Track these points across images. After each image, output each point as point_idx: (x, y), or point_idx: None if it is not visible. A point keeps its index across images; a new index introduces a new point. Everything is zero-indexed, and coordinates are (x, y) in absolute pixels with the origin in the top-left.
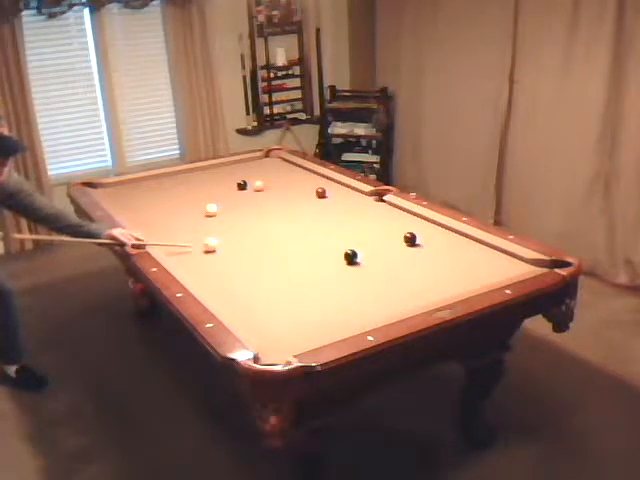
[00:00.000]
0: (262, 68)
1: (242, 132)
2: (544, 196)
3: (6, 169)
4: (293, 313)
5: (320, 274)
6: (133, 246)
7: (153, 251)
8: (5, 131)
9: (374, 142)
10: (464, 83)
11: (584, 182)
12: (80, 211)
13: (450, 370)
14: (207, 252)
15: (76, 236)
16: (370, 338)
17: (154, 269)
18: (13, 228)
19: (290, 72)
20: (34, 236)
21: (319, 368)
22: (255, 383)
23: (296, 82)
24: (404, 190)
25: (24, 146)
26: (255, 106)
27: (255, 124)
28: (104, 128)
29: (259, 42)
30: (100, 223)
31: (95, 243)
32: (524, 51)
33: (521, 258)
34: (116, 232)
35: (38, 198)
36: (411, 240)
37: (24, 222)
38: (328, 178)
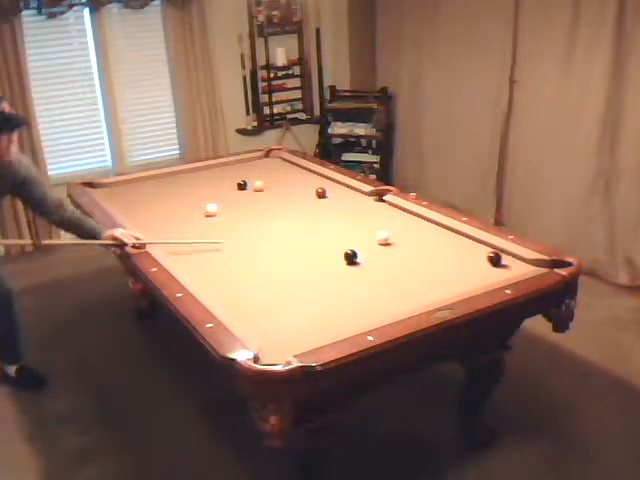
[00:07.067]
0: (262, 68)
1: (242, 132)
2: (544, 196)
3: (13, 147)
4: (293, 313)
5: (320, 274)
6: (133, 246)
7: (153, 251)
8: (7, 109)
9: (374, 142)
10: (464, 83)
11: (584, 182)
12: (80, 211)
13: (450, 370)
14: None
15: (78, 232)
16: (370, 338)
17: (154, 269)
18: (13, 231)
19: (290, 72)
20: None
21: (319, 368)
22: (255, 383)
23: (296, 82)
24: (404, 190)
25: (26, 121)
26: (255, 106)
27: (255, 124)
28: (104, 128)
29: (259, 42)
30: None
31: (97, 245)
32: (524, 51)
33: (521, 258)
34: (117, 233)
35: (45, 188)
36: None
37: (23, 224)
38: (328, 178)
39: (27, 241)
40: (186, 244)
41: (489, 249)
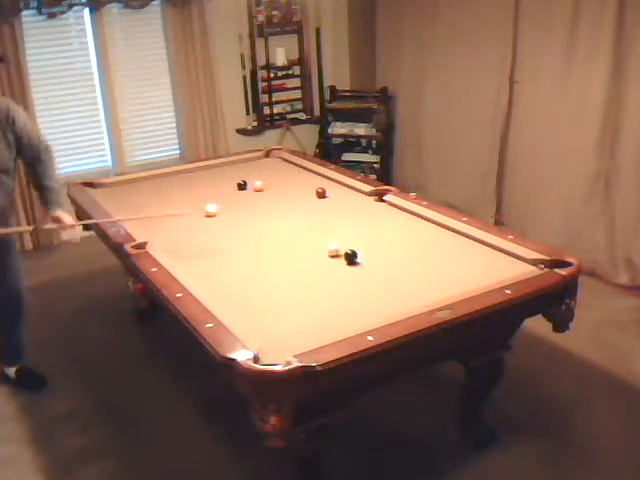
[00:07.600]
0: (262, 68)
1: (242, 132)
2: (544, 196)
3: None
4: (293, 313)
5: (320, 274)
6: (134, 246)
7: (153, 251)
8: None
9: (374, 142)
10: (464, 83)
11: (584, 182)
12: (80, 211)
13: (450, 370)
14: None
15: (41, 196)
16: (370, 338)
17: (154, 269)
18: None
19: (290, 72)
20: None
21: (319, 368)
22: (255, 383)
23: (296, 82)
24: (404, 190)
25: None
26: (255, 106)
27: (255, 124)
28: (104, 128)
29: (259, 42)
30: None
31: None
32: (524, 51)
33: (521, 258)
34: (63, 215)
35: (35, 131)
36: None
37: (22, 217)
38: (328, 178)
39: (27, 228)
40: (148, 217)
41: (486, 247)
